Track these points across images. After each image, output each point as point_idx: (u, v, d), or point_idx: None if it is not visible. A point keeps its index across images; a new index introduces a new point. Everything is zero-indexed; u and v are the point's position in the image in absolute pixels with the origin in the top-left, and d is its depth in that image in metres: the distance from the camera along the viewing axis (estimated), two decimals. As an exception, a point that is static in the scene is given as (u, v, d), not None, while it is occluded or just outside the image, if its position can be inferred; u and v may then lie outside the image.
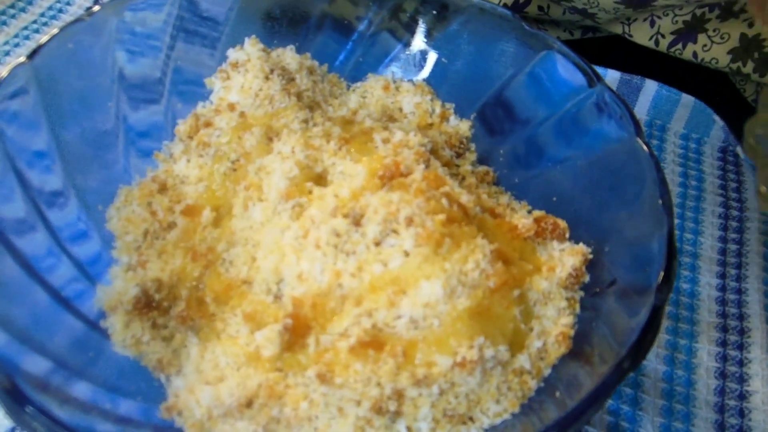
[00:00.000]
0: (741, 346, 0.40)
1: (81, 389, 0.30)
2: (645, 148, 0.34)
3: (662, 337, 0.41)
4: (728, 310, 0.42)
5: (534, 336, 0.32)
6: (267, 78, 0.38)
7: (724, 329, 0.41)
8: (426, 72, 0.45)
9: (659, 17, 0.58)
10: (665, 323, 0.41)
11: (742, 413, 0.38)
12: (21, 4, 0.58)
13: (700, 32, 0.57)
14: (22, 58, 0.35)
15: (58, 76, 0.37)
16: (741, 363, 0.40)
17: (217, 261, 0.34)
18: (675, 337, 0.41)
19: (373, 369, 0.29)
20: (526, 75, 0.41)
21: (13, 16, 0.57)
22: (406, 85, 0.44)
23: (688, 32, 0.57)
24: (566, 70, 0.39)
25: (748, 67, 0.57)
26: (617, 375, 0.27)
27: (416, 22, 0.45)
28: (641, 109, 0.53)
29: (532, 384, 0.31)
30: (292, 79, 0.40)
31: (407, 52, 0.45)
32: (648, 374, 0.39)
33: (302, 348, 0.31)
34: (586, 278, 0.34)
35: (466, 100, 0.44)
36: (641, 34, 0.59)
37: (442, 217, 0.32)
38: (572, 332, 0.32)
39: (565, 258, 0.34)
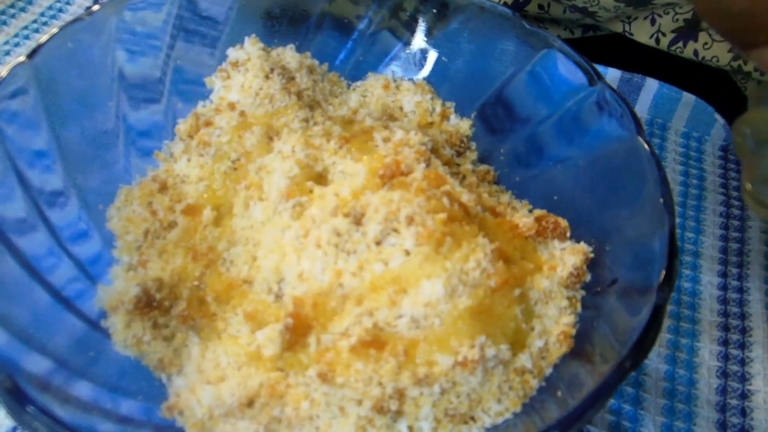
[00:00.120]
0: (743, 345, 0.40)
1: (82, 389, 0.30)
2: (646, 146, 0.34)
3: (664, 336, 0.40)
4: (730, 309, 0.42)
5: (535, 335, 0.32)
6: (267, 77, 0.38)
7: (726, 328, 0.41)
8: (426, 71, 0.45)
9: (660, 15, 0.57)
10: (666, 322, 0.41)
11: (743, 412, 0.38)
12: (21, 4, 0.58)
13: (701, 30, 0.57)
14: (22, 58, 0.35)
15: (58, 76, 0.37)
16: (743, 362, 0.40)
17: (217, 260, 0.34)
18: (676, 336, 0.41)
19: (375, 368, 0.29)
20: (526, 74, 0.41)
21: (13, 16, 0.57)
22: (406, 84, 0.44)
23: (689, 30, 0.57)
24: (567, 69, 0.39)
25: (749, 65, 0.57)
26: (619, 374, 0.27)
27: (416, 21, 0.45)
28: (642, 108, 0.53)
29: (534, 383, 0.31)
30: (293, 78, 0.40)
31: (407, 51, 0.45)
32: (649, 373, 0.39)
33: (303, 347, 0.30)
34: (588, 277, 0.34)
35: (467, 98, 0.44)
36: (642, 33, 0.59)
37: (442, 216, 0.32)
38: (573, 331, 0.32)
39: (566, 257, 0.34)
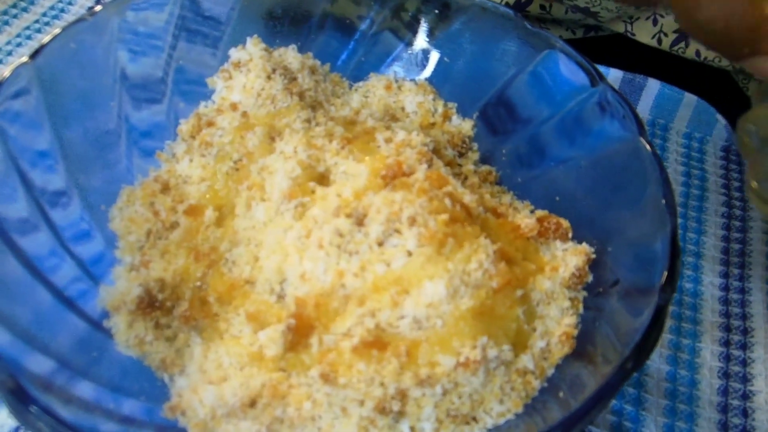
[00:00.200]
0: (744, 346, 0.40)
1: (84, 389, 0.30)
2: (648, 147, 0.34)
3: (665, 336, 0.40)
4: (731, 310, 0.42)
5: (537, 336, 0.32)
6: (269, 78, 0.38)
7: (728, 329, 0.41)
8: (428, 71, 0.45)
9: (662, 15, 0.57)
10: (668, 323, 0.41)
11: (745, 413, 0.38)
12: (23, 4, 0.58)
13: (703, 31, 0.57)
14: (25, 58, 0.35)
15: (60, 76, 0.37)
16: (744, 363, 0.40)
17: (219, 261, 0.34)
18: (678, 336, 0.41)
19: (377, 369, 0.29)
20: (528, 74, 0.41)
21: (15, 16, 0.57)
22: (408, 84, 0.44)
23: (691, 31, 0.57)
24: (568, 70, 0.39)
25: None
26: (621, 375, 0.27)
27: (418, 22, 0.45)
28: (644, 108, 0.53)
29: (536, 384, 0.31)
30: (294, 79, 0.40)
31: (409, 52, 0.45)
32: (651, 374, 0.39)
33: (305, 348, 0.31)
34: (589, 278, 0.34)
35: (469, 99, 0.44)
36: (644, 33, 0.59)
37: (444, 216, 0.32)
38: (575, 332, 0.32)
39: (568, 258, 0.34)
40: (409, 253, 0.30)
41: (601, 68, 0.42)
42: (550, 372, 0.32)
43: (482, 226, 0.34)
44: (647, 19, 0.58)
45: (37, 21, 0.57)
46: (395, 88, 0.44)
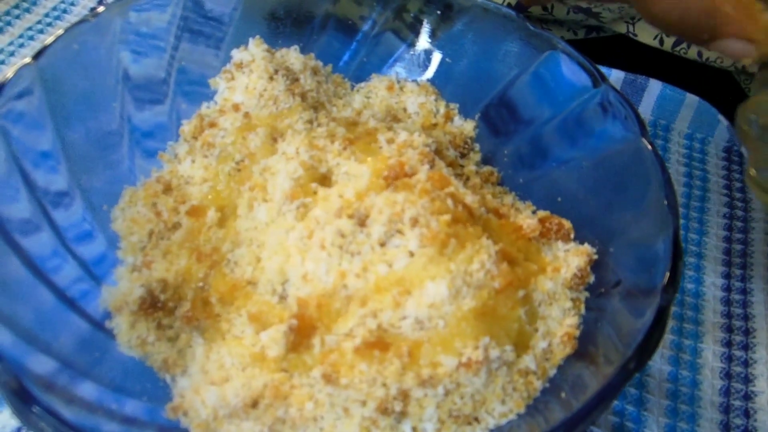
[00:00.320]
0: (746, 347, 0.40)
1: (87, 389, 0.30)
2: (650, 148, 0.34)
3: (667, 337, 0.40)
4: (733, 311, 0.42)
5: (539, 336, 0.32)
6: (271, 78, 0.38)
7: (729, 329, 0.41)
8: (430, 72, 0.45)
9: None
10: (670, 323, 0.41)
11: (747, 414, 0.38)
12: (25, 5, 0.58)
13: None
14: (27, 59, 0.35)
15: (63, 77, 0.37)
16: (746, 363, 0.40)
17: (221, 261, 0.34)
18: (680, 337, 0.41)
19: (379, 369, 0.29)
20: (530, 75, 0.41)
21: (17, 17, 0.57)
22: (410, 85, 0.44)
23: (693, 31, 0.57)
24: (570, 70, 0.39)
25: (753, 66, 0.57)
26: (623, 376, 0.27)
27: (420, 23, 0.45)
28: (645, 109, 0.53)
29: (538, 384, 0.31)
30: (297, 80, 0.40)
31: (411, 53, 0.45)
32: (653, 375, 0.39)
33: (307, 348, 0.31)
34: (591, 279, 0.34)
35: (471, 100, 0.44)
36: (646, 34, 0.59)
37: (447, 217, 0.32)
38: (577, 333, 0.32)
39: (570, 258, 0.34)
40: (411, 254, 0.31)
41: (603, 69, 0.42)
42: (552, 372, 0.32)
43: (484, 226, 0.34)
44: (649, 19, 0.58)
45: (39, 22, 0.57)
46: (397, 89, 0.44)
